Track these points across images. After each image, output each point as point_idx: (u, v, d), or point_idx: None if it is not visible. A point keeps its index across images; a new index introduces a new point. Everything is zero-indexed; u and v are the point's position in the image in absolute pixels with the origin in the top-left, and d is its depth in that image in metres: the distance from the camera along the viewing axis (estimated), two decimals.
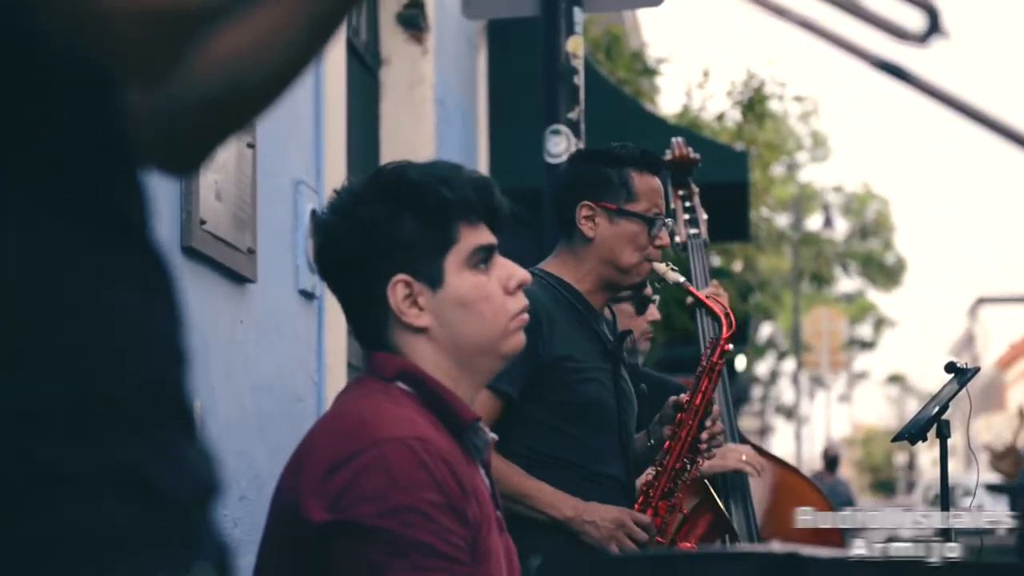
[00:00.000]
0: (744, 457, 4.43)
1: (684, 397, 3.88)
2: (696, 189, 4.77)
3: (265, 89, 1.29)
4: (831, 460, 16.73)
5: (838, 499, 16.02)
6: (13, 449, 0.98)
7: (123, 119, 1.12)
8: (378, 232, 2.44)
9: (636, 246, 3.82)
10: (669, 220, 3.91)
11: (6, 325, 1.00)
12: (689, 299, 4.12)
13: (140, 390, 1.07)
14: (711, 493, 4.00)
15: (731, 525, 4.02)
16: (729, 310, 4.00)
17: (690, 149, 4.79)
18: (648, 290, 5.03)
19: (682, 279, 3.90)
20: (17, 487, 0.98)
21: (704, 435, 3.86)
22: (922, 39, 1.24)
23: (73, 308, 1.04)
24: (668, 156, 4.77)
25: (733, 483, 4.46)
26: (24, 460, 0.99)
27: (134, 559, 1.01)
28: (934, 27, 1.24)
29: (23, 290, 1.02)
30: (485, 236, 2.50)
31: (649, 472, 3.86)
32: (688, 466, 3.84)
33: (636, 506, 3.78)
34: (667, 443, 3.84)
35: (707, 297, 4.03)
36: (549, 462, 3.66)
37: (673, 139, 4.85)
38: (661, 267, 3.89)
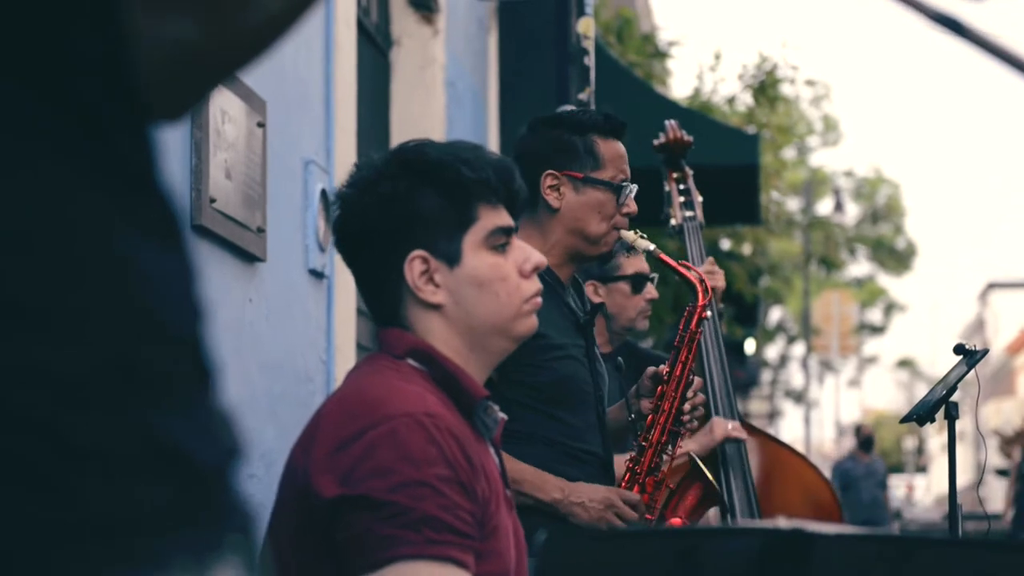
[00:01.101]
0: (731, 427, 4.40)
1: (663, 368, 3.79)
2: (690, 171, 4.76)
3: (259, 34, 1.23)
4: (865, 440, 16.38)
5: (875, 479, 15.85)
6: (37, 422, 0.93)
7: (131, 60, 1.07)
8: (399, 207, 2.45)
9: (603, 215, 3.70)
10: (635, 186, 3.76)
11: (24, 286, 0.95)
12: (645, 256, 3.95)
13: (167, 351, 1.02)
14: (698, 464, 3.93)
15: (720, 496, 3.94)
16: (704, 276, 3.86)
17: (684, 132, 4.76)
18: (646, 267, 5.00)
19: (652, 246, 3.74)
20: (41, 465, 0.93)
21: (686, 406, 3.76)
22: None
23: (91, 265, 0.99)
24: (662, 139, 4.75)
25: (732, 462, 4.46)
26: (49, 434, 0.94)
27: (161, 540, 0.98)
28: None
29: (38, 247, 0.97)
30: (504, 218, 2.51)
31: (633, 450, 3.77)
32: (672, 439, 3.75)
33: (623, 483, 3.70)
34: (649, 417, 3.75)
35: (679, 264, 3.88)
36: (531, 440, 3.56)
37: (667, 122, 4.82)
38: (630, 235, 3.74)
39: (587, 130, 3.74)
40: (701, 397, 3.87)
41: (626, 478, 3.73)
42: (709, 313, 3.90)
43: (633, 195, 3.74)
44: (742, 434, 4.42)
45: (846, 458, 17.04)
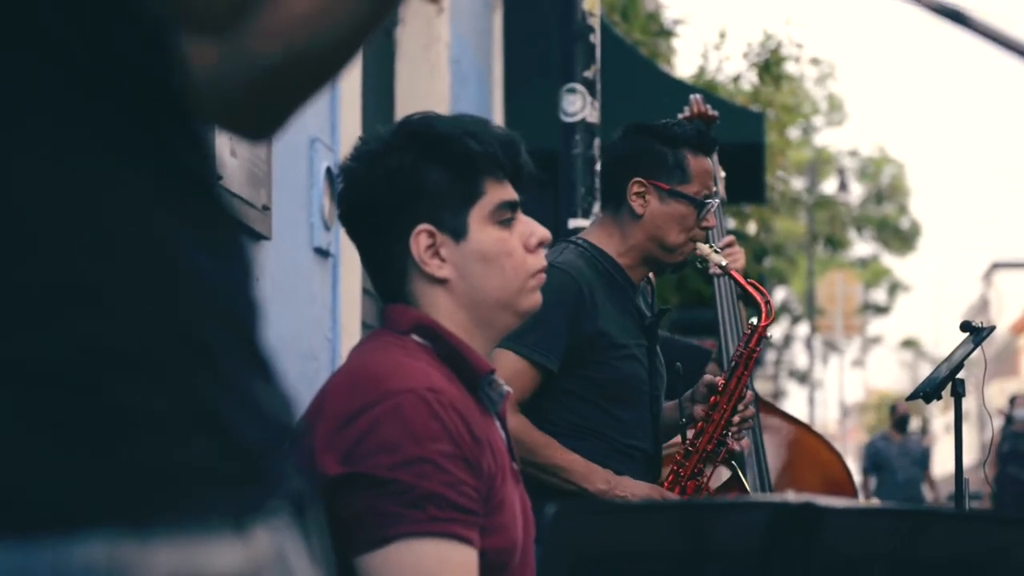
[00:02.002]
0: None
1: (720, 379, 3.88)
2: (715, 147, 4.76)
3: (327, 58, 1.29)
4: (900, 419, 15.82)
5: (910, 458, 15.25)
6: (86, 386, 1.01)
7: (181, 70, 1.14)
8: (405, 180, 2.44)
9: (684, 227, 3.80)
10: (717, 201, 3.91)
11: (85, 269, 1.03)
12: (712, 269, 4.06)
13: (217, 335, 1.09)
14: (738, 474, 4.03)
15: None
16: (769, 297, 3.97)
17: (708, 106, 4.78)
18: None
19: (724, 262, 3.87)
20: (82, 422, 1.00)
21: (736, 419, 3.86)
22: None
23: (146, 251, 1.06)
24: (686, 113, 4.76)
25: (747, 440, 4.46)
26: (96, 398, 1.01)
27: (202, 497, 1.04)
28: None
29: (102, 233, 1.04)
30: (510, 192, 2.51)
31: (678, 449, 3.87)
32: (719, 448, 3.85)
33: (665, 484, 3.81)
34: (699, 424, 3.85)
35: (748, 283, 3.99)
36: (584, 433, 3.68)
37: (692, 96, 4.84)
38: (705, 248, 3.85)
39: (679, 144, 3.85)
40: (751, 411, 3.96)
41: (669, 479, 3.83)
42: (771, 334, 4.03)
43: (714, 210, 3.87)
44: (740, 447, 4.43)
45: (878, 437, 16.60)
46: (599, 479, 3.62)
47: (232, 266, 1.13)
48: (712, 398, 3.85)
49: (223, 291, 1.11)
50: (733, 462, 4.11)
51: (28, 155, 1.03)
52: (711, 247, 3.87)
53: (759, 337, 3.92)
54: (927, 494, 15.69)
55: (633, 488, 3.64)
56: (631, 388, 3.74)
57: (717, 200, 3.90)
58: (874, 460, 15.45)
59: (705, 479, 3.85)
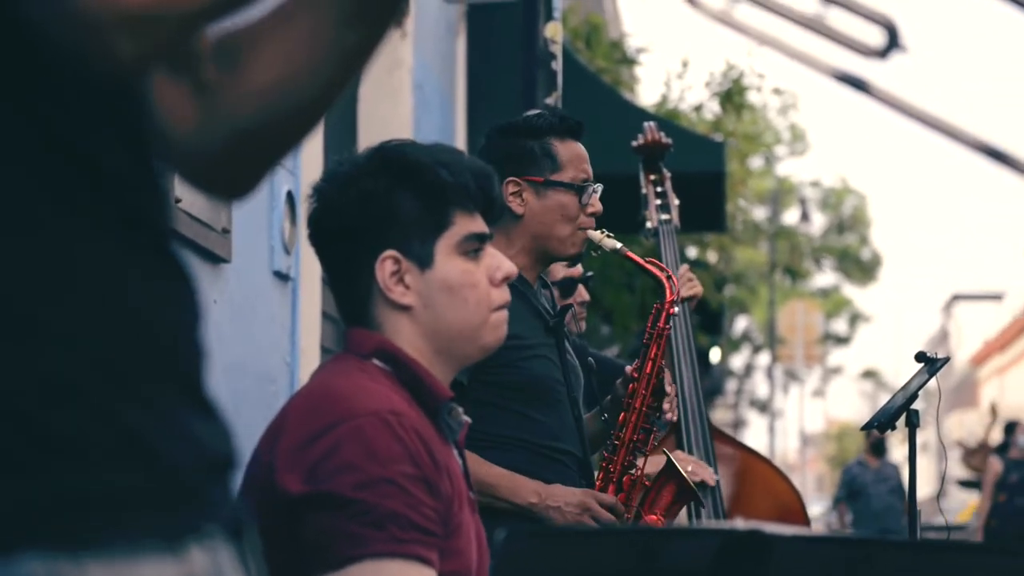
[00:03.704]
0: (690, 468, 4.35)
1: (633, 367, 3.80)
2: (668, 174, 4.77)
3: (299, 119, 1.34)
4: (876, 443, 14.73)
5: (887, 485, 14.38)
6: (16, 414, 1.04)
7: (149, 123, 1.18)
8: (375, 205, 2.45)
9: (567, 217, 3.70)
10: (599, 185, 3.77)
11: (18, 298, 1.06)
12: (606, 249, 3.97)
13: (149, 367, 1.12)
14: (672, 462, 3.93)
15: (696, 492, 3.94)
16: (671, 273, 3.88)
17: (662, 134, 4.78)
18: (577, 270, 4.99)
19: (618, 244, 3.76)
20: (18, 451, 1.04)
21: (666, 404, 3.78)
22: (882, 54, 1.27)
23: (90, 290, 1.10)
24: (640, 141, 4.77)
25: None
26: (27, 425, 1.04)
27: (134, 519, 1.07)
28: (893, 42, 1.26)
29: (46, 270, 1.08)
30: (479, 225, 2.52)
31: (607, 449, 3.79)
32: (645, 437, 3.77)
33: (597, 483, 3.72)
34: (622, 415, 3.76)
35: (646, 261, 3.89)
36: (506, 443, 3.58)
37: (645, 124, 4.84)
38: (596, 235, 3.75)
39: (543, 133, 3.75)
40: (673, 387, 3.88)
41: (600, 477, 3.75)
42: (676, 309, 3.91)
43: (598, 194, 3.75)
44: (703, 477, 4.36)
45: (854, 463, 15.58)
46: (528, 492, 3.51)
47: (179, 312, 1.18)
48: (630, 386, 3.77)
49: (164, 333, 1.15)
50: (665, 451, 4.02)
51: None
52: (603, 232, 3.76)
53: (665, 315, 3.83)
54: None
55: (565, 496, 3.52)
56: (545, 388, 3.64)
57: (599, 184, 3.76)
58: (849, 487, 14.71)
59: (639, 471, 3.76)
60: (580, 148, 3.77)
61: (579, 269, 5.00)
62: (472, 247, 2.50)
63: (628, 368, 3.82)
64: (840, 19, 1.28)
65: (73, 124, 1.11)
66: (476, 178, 2.51)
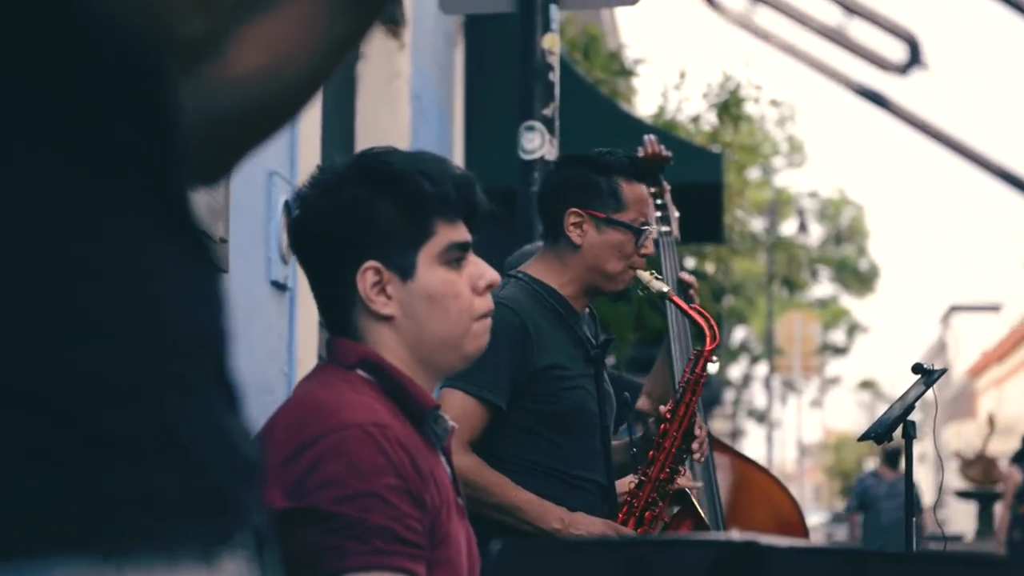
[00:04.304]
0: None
1: (667, 408, 3.87)
2: (668, 187, 4.79)
3: (281, 107, 1.32)
4: (891, 453, 13.96)
5: (899, 500, 13.39)
6: (62, 411, 1.01)
7: (176, 105, 1.14)
8: (356, 215, 2.44)
9: (622, 255, 3.81)
10: (655, 228, 3.91)
11: (65, 295, 1.03)
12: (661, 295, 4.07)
13: (191, 362, 1.09)
14: (691, 501, 4.00)
15: (711, 531, 4.03)
16: (713, 322, 3.96)
17: (663, 147, 4.81)
18: None
19: (666, 288, 3.88)
20: (56, 451, 1.00)
21: (696, 445, 3.87)
22: (903, 70, 1.26)
23: (130, 280, 1.07)
24: (640, 153, 4.79)
25: (699, 478, 4.47)
26: (72, 424, 1.01)
27: (173, 526, 1.04)
28: (915, 58, 1.25)
29: (82, 263, 1.05)
30: (461, 233, 2.50)
31: (632, 480, 3.86)
32: (672, 476, 3.84)
33: (620, 516, 3.79)
34: (651, 453, 3.84)
35: (691, 308, 4.00)
36: (534, 468, 3.67)
37: (645, 136, 4.86)
38: (645, 275, 3.86)
39: (612, 172, 3.85)
40: (705, 438, 3.96)
41: (624, 510, 3.82)
42: (716, 358, 4.00)
43: (653, 237, 3.88)
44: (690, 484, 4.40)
45: (868, 474, 15.12)
46: (553, 518, 3.60)
47: (208, 296, 1.14)
48: (662, 426, 3.85)
49: (199, 321, 1.12)
50: (686, 490, 4.08)
51: (19, 182, 1.03)
52: (652, 273, 3.88)
53: (705, 362, 3.91)
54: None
55: (588, 525, 3.61)
56: (579, 419, 3.73)
57: (655, 228, 3.92)
58: (861, 498, 14.23)
59: (660, 509, 3.84)
60: (644, 191, 3.89)
61: None
62: (454, 256, 2.48)
63: (662, 408, 3.89)
64: (862, 31, 1.27)
65: (104, 101, 1.08)
66: (457, 187, 2.49)
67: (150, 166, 1.11)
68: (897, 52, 1.26)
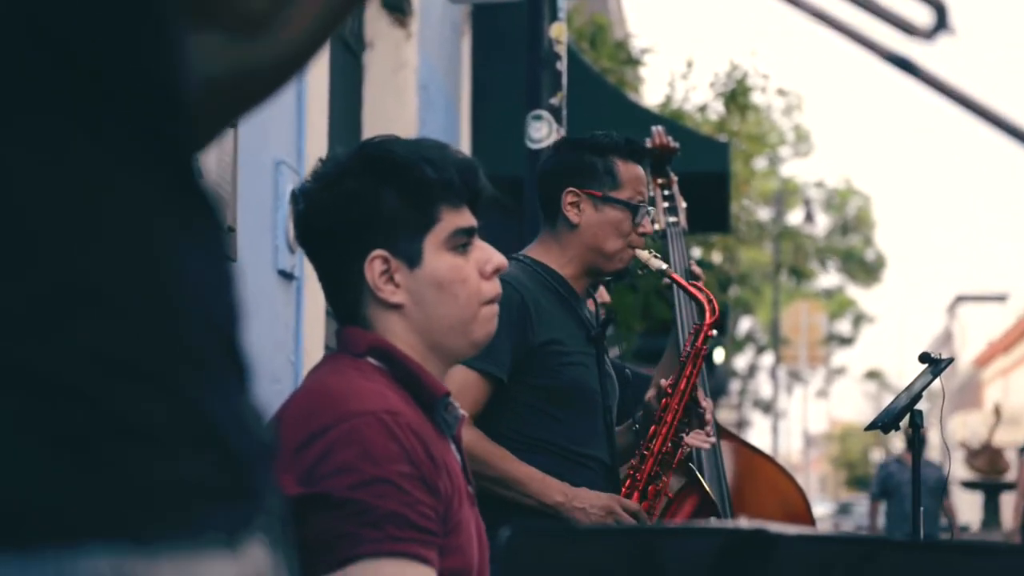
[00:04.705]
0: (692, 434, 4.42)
1: (668, 382, 3.90)
2: (675, 177, 4.79)
3: (274, 75, 1.31)
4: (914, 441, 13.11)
5: (925, 486, 12.88)
6: (88, 396, 0.99)
7: (183, 63, 1.11)
8: (360, 205, 2.44)
9: (620, 233, 3.84)
10: (652, 208, 3.94)
11: (83, 274, 1.01)
12: (665, 280, 4.10)
13: (208, 341, 1.07)
14: (696, 476, 4.01)
15: (716, 506, 4.03)
16: (712, 296, 4.00)
17: (670, 138, 4.81)
18: None
19: (665, 266, 3.92)
20: (89, 437, 0.98)
21: (708, 429, 3.90)
22: (929, 35, 1.25)
23: (146, 257, 1.04)
24: (648, 144, 4.79)
25: (707, 466, 4.47)
26: (98, 408, 0.99)
27: (199, 510, 1.02)
28: (941, 24, 1.24)
29: (97, 241, 1.02)
30: (466, 218, 2.50)
31: (635, 458, 3.87)
32: (674, 450, 3.85)
33: (623, 490, 3.80)
34: (652, 427, 3.85)
35: (690, 284, 4.03)
36: (536, 444, 3.68)
37: (653, 127, 4.86)
38: (644, 254, 3.89)
39: (607, 152, 3.89)
40: (710, 404, 3.99)
41: (626, 484, 3.83)
42: (715, 332, 4.03)
43: (651, 216, 3.91)
44: (700, 444, 4.40)
45: (891, 460, 14.39)
46: (555, 491, 3.61)
47: (220, 269, 1.12)
48: (663, 400, 3.88)
49: (213, 298, 1.10)
50: (690, 464, 4.10)
51: (29, 156, 1.01)
52: (651, 252, 3.92)
53: (705, 335, 3.96)
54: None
55: (590, 499, 3.63)
56: (580, 395, 3.75)
57: (652, 207, 3.95)
58: (884, 485, 13.62)
59: (664, 483, 3.85)
60: (640, 171, 3.93)
61: None
62: (460, 242, 2.49)
63: (663, 382, 3.92)
64: None
65: (104, 61, 1.05)
66: (461, 172, 2.49)
67: (163, 136, 1.09)
68: (924, 17, 1.25)
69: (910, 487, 13.21)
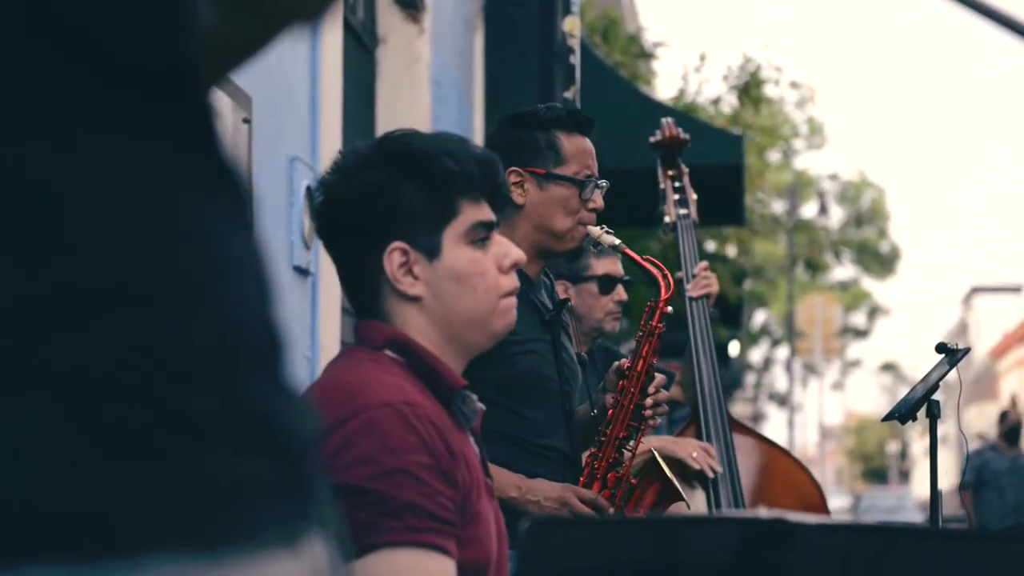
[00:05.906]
0: (695, 454, 4.32)
1: (625, 363, 3.76)
2: (686, 169, 4.78)
3: (265, 27, 1.25)
4: (1012, 429, 12.60)
5: (1021, 476, 12.41)
6: (143, 396, 0.95)
7: (196, 36, 1.08)
8: (380, 198, 2.45)
9: (568, 210, 3.67)
10: (603, 181, 3.74)
11: (133, 272, 0.97)
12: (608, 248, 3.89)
13: (256, 333, 1.04)
14: (658, 462, 3.89)
15: (680, 493, 3.89)
16: (667, 271, 3.82)
17: (680, 130, 4.80)
18: (619, 270, 5.01)
19: (617, 241, 3.72)
20: (148, 438, 0.94)
21: (648, 401, 3.72)
22: None
23: (191, 249, 1.01)
24: (658, 136, 4.78)
25: (720, 459, 4.46)
26: (153, 409, 0.95)
27: (260, 510, 0.99)
28: None
29: (144, 236, 0.99)
30: (485, 212, 2.51)
31: (594, 446, 3.73)
32: (632, 434, 3.71)
33: (581, 479, 3.68)
34: (610, 412, 3.71)
35: (643, 259, 3.85)
36: (492, 437, 3.42)
37: (663, 119, 4.86)
38: (596, 231, 3.71)
39: (549, 126, 3.73)
40: (664, 394, 3.81)
41: (585, 473, 3.70)
42: (670, 308, 3.85)
43: (601, 191, 3.73)
44: (703, 468, 4.33)
45: (986, 447, 13.41)
46: (510, 486, 3.47)
47: (249, 244, 1.07)
48: (620, 383, 3.72)
49: (246, 276, 1.05)
50: (652, 450, 3.98)
51: (41, 143, 0.97)
52: (602, 228, 3.73)
53: (660, 313, 3.79)
54: None
55: (545, 491, 3.50)
56: (535, 384, 3.61)
57: (603, 180, 3.73)
58: (979, 474, 12.61)
59: (624, 470, 3.70)
60: (586, 143, 3.75)
61: (620, 269, 5.01)
62: (479, 235, 2.50)
63: (623, 362, 3.78)
64: None
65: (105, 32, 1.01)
66: (481, 166, 2.51)
67: (190, 116, 1.06)
68: None
69: (1010, 477, 12.69)
